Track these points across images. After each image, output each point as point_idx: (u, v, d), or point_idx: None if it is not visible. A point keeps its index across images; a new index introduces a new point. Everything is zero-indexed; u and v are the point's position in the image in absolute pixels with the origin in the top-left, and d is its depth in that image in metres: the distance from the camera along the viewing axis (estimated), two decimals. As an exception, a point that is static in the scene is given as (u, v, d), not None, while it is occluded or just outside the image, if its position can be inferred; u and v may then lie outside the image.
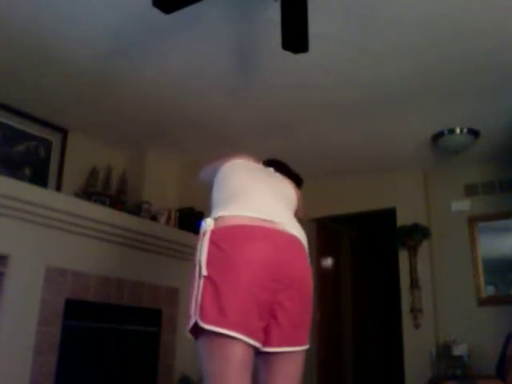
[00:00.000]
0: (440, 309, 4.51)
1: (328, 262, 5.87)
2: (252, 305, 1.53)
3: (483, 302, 4.36)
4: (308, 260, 1.76)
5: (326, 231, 5.77)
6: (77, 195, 3.88)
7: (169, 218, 4.27)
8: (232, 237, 1.60)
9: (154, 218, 4.19)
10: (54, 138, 4.07)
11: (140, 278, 3.86)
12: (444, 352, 4.27)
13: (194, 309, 1.53)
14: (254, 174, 1.95)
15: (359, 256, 6.44)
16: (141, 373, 3.83)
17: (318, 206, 5.28)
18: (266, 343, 1.60)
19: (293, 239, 1.71)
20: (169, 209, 4.34)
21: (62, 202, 3.40)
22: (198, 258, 1.59)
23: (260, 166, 2.10)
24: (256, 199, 1.76)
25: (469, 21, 2.66)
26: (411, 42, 2.86)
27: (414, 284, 4.57)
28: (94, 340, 3.54)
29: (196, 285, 1.56)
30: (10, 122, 3.77)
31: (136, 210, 4.15)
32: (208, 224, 1.64)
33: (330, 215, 5.36)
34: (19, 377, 3.02)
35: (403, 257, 4.74)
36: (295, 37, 2.43)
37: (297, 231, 1.75)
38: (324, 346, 5.32)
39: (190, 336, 1.57)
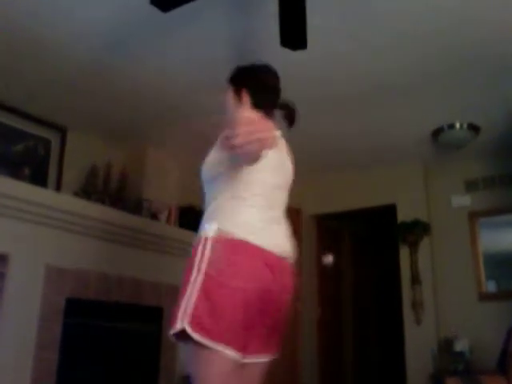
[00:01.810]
0: (441, 304, 4.51)
1: (329, 258, 5.87)
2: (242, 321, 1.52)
3: (484, 297, 4.36)
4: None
5: (327, 228, 5.77)
6: (76, 194, 3.87)
7: (169, 216, 4.27)
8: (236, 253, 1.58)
9: (154, 215, 4.19)
10: (53, 137, 4.06)
11: (140, 277, 3.86)
12: (445, 347, 4.27)
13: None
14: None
15: (360, 252, 6.43)
16: (142, 370, 3.83)
17: (318, 203, 5.29)
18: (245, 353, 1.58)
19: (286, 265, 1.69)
20: (169, 206, 4.33)
21: (62, 201, 3.39)
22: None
23: (279, 156, 1.78)
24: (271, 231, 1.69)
25: (468, 12, 2.65)
26: (410, 34, 2.85)
27: (415, 280, 4.58)
28: (95, 338, 3.54)
29: (189, 289, 1.53)
30: (8, 122, 3.76)
31: (136, 208, 4.14)
32: (213, 231, 1.59)
33: (331, 212, 5.36)
34: (21, 375, 3.02)
35: (404, 253, 4.74)
36: (294, 34, 2.43)
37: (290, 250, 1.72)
38: (324, 343, 5.33)
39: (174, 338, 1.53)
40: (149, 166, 4.51)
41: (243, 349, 1.54)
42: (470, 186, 4.64)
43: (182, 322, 1.48)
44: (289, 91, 3.48)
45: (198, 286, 1.51)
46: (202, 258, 1.55)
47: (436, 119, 3.91)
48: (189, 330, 1.46)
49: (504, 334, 3.49)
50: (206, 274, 1.52)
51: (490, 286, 4.43)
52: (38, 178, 3.83)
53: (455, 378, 3.53)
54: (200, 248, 1.58)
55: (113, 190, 4.20)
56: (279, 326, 1.69)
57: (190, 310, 1.48)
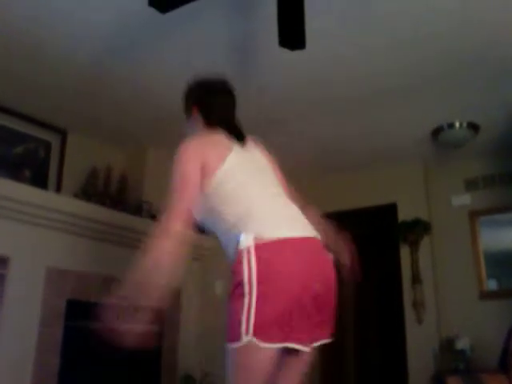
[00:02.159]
0: (442, 303, 4.50)
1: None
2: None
3: (485, 296, 4.35)
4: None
5: (327, 227, 5.75)
6: (77, 196, 3.87)
7: (169, 218, 4.26)
8: (277, 252, 1.61)
9: (154, 217, 4.19)
10: (53, 139, 4.06)
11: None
12: (447, 346, 4.27)
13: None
14: (252, 177, 1.84)
15: (360, 252, 6.41)
16: (144, 372, 3.83)
17: (317, 203, 5.25)
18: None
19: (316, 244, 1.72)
20: (169, 208, 4.33)
21: (62, 203, 3.40)
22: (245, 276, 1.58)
23: (244, 156, 1.89)
24: (270, 211, 1.74)
25: (467, 14, 2.65)
26: (410, 36, 2.85)
27: (416, 279, 4.57)
28: (96, 340, 3.54)
29: (247, 302, 1.55)
30: (9, 124, 3.76)
31: (137, 209, 4.14)
32: (249, 240, 1.61)
33: (331, 211, 5.35)
34: (22, 378, 3.02)
35: (405, 252, 4.73)
36: (292, 34, 2.43)
37: (312, 231, 1.75)
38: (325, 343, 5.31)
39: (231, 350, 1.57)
40: (149, 168, 4.51)
41: (293, 339, 1.58)
42: (470, 185, 4.64)
43: (246, 335, 1.52)
44: (289, 93, 3.52)
45: (254, 297, 1.53)
46: (248, 270, 1.57)
47: (436, 119, 3.91)
48: (256, 341, 1.51)
49: (505, 332, 3.49)
50: (258, 284, 1.54)
51: (491, 285, 4.42)
52: (39, 180, 3.83)
53: (456, 376, 3.53)
54: (243, 262, 1.59)
55: (113, 192, 4.21)
56: (328, 309, 1.70)
57: (252, 322, 1.52)
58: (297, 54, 2.67)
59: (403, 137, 4.25)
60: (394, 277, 5.10)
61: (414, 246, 4.67)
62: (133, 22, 2.76)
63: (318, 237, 1.75)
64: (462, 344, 4.09)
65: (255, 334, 1.51)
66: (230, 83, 2.06)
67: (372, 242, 6.52)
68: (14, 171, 3.70)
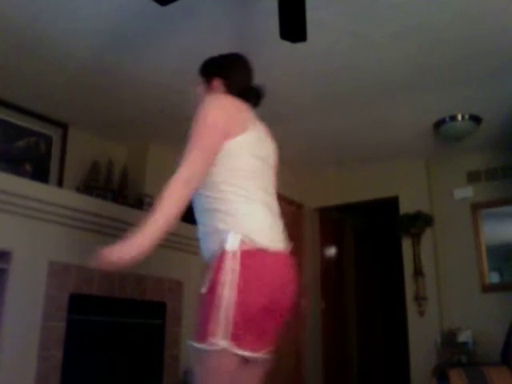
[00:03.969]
0: (444, 296, 4.51)
1: (331, 251, 5.87)
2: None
3: (487, 289, 4.36)
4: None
5: (329, 220, 5.77)
6: (78, 190, 3.88)
7: (171, 211, 4.26)
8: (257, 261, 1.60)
9: (155, 211, 4.19)
10: (55, 133, 4.06)
11: (143, 272, 3.87)
12: (449, 339, 4.27)
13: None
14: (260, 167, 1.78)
15: (362, 245, 6.43)
16: (146, 365, 3.85)
17: (320, 196, 5.29)
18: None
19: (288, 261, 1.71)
20: (171, 202, 4.33)
21: (64, 197, 3.40)
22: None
23: (259, 136, 1.82)
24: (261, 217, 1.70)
25: (468, 5, 2.63)
26: (411, 28, 2.83)
27: (418, 271, 4.58)
28: (99, 334, 3.56)
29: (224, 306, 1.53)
30: (10, 118, 3.76)
31: (138, 203, 4.14)
32: (236, 243, 1.58)
33: (333, 205, 5.37)
34: (25, 372, 3.03)
35: (407, 245, 4.74)
36: (293, 26, 2.41)
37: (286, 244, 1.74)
38: (328, 334, 5.34)
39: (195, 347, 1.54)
40: (150, 162, 4.51)
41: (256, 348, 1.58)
42: (472, 178, 4.64)
43: (221, 339, 1.49)
44: (290, 88, 3.50)
45: (233, 302, 1.51)
46: (230, 273, 1.54)
47: (438, 111, 3.90)
48: (234, 348, 1.49)
49: (507, 324, 3.49)
50: (238, 290, 1.52)
51: (493, 278, 4.42)
52: (40, 175, 3.83)
53: (458, 369, 3.53)
54: (227, 262, 1.56)
55: (114, 186, 4.21)
56: (282, 323, 1.71)
57: (230, 328, 1.49)
58: (296, 46, 2.66)
59: (405, 130, 4.24)
60: (395, 269, 5.11)
61: (416, 239, 4.67)
62: (134, 15, 2.74)
63: (290, 249, 1.74)
64: (464, 337, 4.10)
65: (232, 340, 1.49)
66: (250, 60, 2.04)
67: (374, 234, 6.53)
68: (16, 165, 3.70)
